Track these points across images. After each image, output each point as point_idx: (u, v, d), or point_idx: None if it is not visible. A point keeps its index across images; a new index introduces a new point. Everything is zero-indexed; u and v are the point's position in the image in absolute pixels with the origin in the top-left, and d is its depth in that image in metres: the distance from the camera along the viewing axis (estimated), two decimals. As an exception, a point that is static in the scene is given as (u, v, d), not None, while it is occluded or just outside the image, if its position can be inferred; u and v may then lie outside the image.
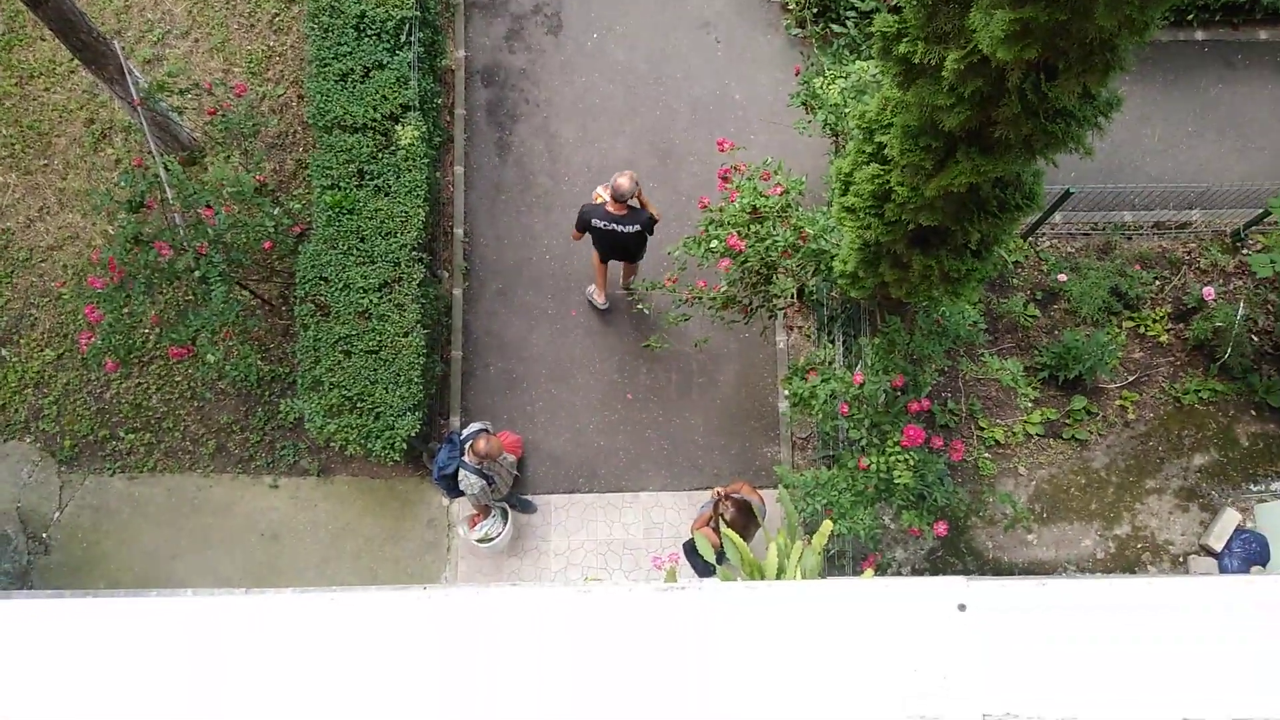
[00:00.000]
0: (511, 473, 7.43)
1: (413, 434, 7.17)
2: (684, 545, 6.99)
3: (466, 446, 6.92)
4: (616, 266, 8.23)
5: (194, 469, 8.22)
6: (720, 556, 6.41)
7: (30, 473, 8.19)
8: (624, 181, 7.01)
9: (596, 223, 7.23)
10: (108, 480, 8.16)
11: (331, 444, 7.35)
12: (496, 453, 6.78)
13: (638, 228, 7.22)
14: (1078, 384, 8.22)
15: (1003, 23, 3.39)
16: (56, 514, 8.10)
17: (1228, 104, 8.85)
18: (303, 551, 8.11)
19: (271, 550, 8.10)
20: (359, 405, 7.19)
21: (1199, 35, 9.03)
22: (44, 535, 8.06)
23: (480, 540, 7.57)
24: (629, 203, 7.15)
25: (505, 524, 7.59)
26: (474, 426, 7.14)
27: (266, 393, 8.33)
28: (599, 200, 7.27)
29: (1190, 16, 8.91)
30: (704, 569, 6.58)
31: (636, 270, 8.07)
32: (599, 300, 8.33)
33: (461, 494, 7.16)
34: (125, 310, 7.01)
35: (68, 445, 8.20)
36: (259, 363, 8.17)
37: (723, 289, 6.68)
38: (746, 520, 6.23)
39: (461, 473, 6.91)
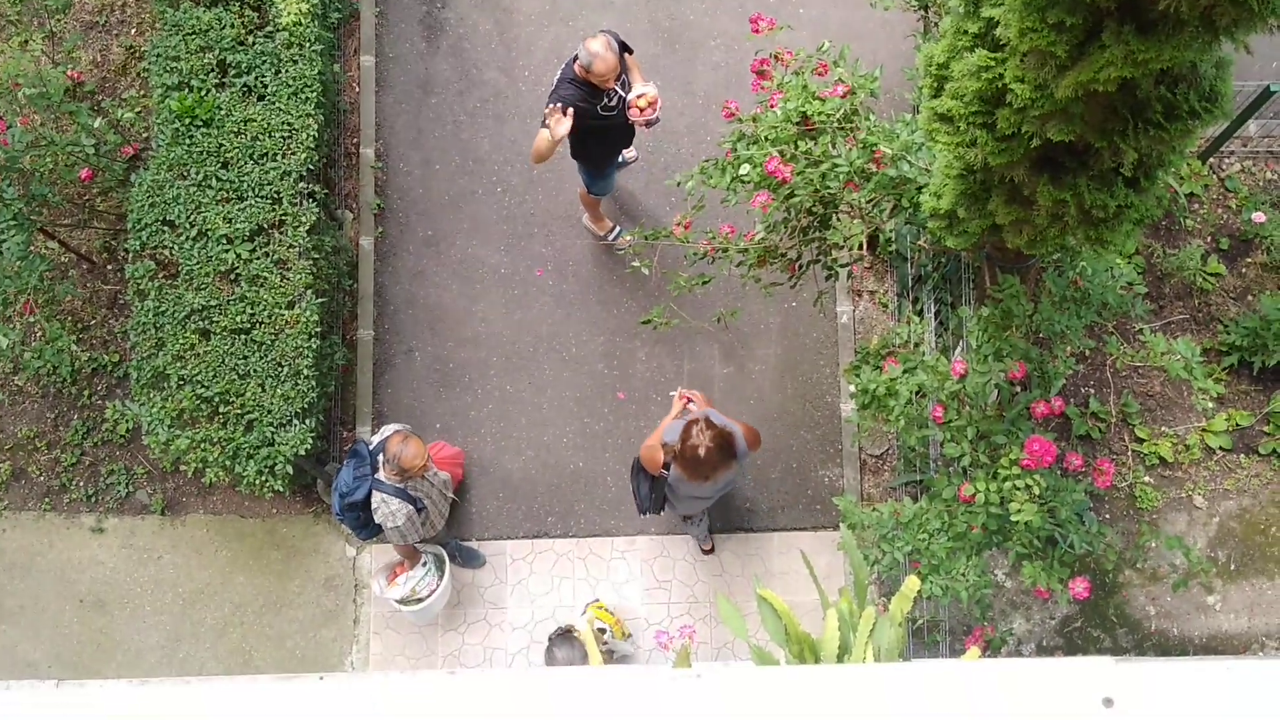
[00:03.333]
0: (447, 496, 7.44)
1: (301, 452, 7.20)
2: (632, 465, 7.29)
3: (380, 459, 6.91)
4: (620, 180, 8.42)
5: (-20, 505, 8.26)
6: (652, 484, 7.00)
7: None
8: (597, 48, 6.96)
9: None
10: None
11: (182, 468, 7.36)
12: (420, 463, 6.77)
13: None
14: (1281, 375, 8.25)
15: None
16: None
17: None
18: (141, 625, 8.13)
19: (96, 624, 8.13)
20: (222, 411, 7.21)
21: None
22: None
23: (404, 602, 7.59)
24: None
25: (441, 578, 7.62)
26: (389, 429, 7.14)
27: (86, 392, 8.34)
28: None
29: None
30: (645, 497, 7.12)
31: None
32: (602, 231, 8.51)
33: (379, 532, 7.17)
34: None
35: None
36: (74, 349, 8.16)
37: (758, 237, 6.67)
38: (720, 463, 6.42)
39: (376, 497, 6.89)
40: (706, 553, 8.10)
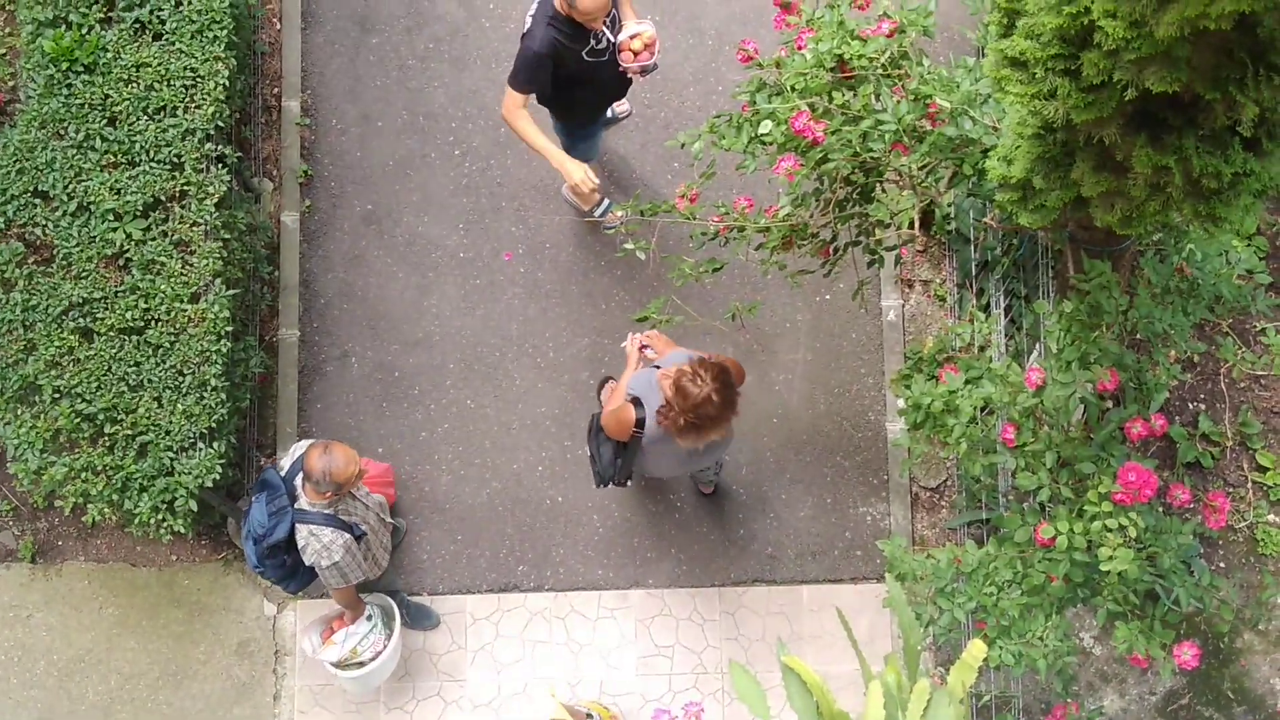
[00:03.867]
0: (385, 521, 7.40)
1: (208, 483, 7.18)
2: (590, 424, 7.32)
3: (299, 483, 6.87)
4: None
5: None
6: (617, 449, 6.95)
7: None
8: None
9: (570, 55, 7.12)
10: None
11: (58, 503, 7.35)
12: (354, 470, 6.71)
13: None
14: None
15: None
16: None
17: None
18: (4, 703, 8.09)
19: (-52, 700, 8.09)
20: (108, 431, 7.19)
21: None
22: None
23: (341, 665, 7.55)
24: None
25: (390, 637, 7.58)
26: (301, 445, 7.08)
27: (-63, 408, 8.33)
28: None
29: None
30: (607, 465, 7.09)
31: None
32: (586, 205, 8.46)
33: (312, 579, 7.13)
34: None
35: None
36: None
37: (783, 213, 6.68)
38: (728, 407, 6.42)
39: (302, 531, 6.82)
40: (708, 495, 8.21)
